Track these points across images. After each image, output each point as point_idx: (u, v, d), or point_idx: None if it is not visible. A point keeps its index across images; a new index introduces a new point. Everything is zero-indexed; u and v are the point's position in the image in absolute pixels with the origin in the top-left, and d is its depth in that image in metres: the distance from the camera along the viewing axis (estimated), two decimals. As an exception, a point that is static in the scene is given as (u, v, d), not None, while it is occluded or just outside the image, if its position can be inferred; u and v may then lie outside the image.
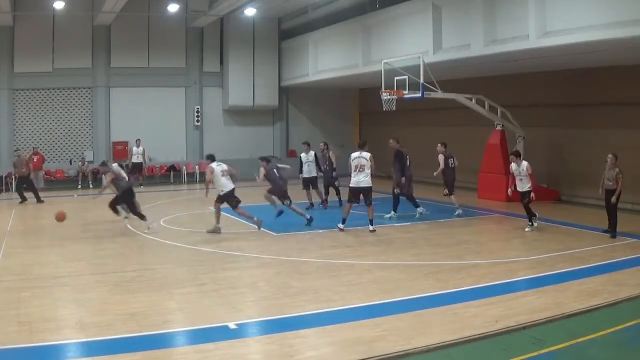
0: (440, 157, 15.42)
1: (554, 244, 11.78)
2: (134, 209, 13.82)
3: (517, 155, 13.52)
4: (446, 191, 15.55)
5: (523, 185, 13.17)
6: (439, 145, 15.61)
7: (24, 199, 18.62)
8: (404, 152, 14.95)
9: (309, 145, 17.58)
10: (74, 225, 14.24)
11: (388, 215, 14.92)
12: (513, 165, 13.37)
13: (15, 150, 21.80)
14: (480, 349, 6.47)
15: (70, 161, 24.19)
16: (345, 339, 6.58)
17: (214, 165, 13.34)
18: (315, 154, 17.20)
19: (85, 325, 7.18)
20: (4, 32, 23.16)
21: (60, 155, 24.31)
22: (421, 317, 7.37)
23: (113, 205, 13.87)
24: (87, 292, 8.72)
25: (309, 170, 16.89)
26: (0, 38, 23.30)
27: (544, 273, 9.51)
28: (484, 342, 6.59)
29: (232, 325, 7.03)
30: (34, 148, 22.75)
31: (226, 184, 13.22)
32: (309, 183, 16.91)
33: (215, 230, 13.20)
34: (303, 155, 17.21)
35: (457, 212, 15.45)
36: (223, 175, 13.19)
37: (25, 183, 18.94)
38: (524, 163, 13.21)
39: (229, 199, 13.26)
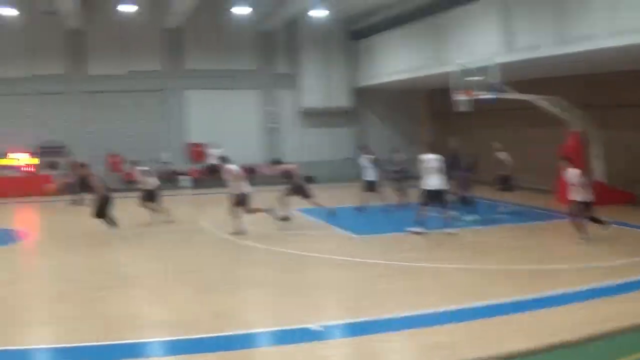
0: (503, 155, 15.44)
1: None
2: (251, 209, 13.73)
3: (568, 160, 12.37)
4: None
5: (575, 195, 11.79)
6: (495, 143, 15.81)
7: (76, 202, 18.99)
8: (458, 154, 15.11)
9: (366, 148, 17.66)
10: (153, 226, 14.79)
11: (469, 218, 14.77)
12: (567, 171, 12.08)
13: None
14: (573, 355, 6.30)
15: (148, 162, 24.78)
16: (428, 343, 6.46)
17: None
18: (375, 157, 17.13)
19: (168, 323, 7.36)
20: (77, 35, 24.18)
21: (136, 157, 24.57)
22: (506, 322, 7.16)
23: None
24: (169, 292, 8.96)
25: (370, 173, 16.89)
26: (74, 41, 24.29)
27: (630, 278, 8.96)
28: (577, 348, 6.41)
29: (313, 327, 7.01)
30: (110, 150, 23.68)
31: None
32: (370, 186, 16.95)
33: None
34: (362, 158, 17.18)
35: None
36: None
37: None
38: (573, 171, 11.91)
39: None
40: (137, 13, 22.75)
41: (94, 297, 8.58)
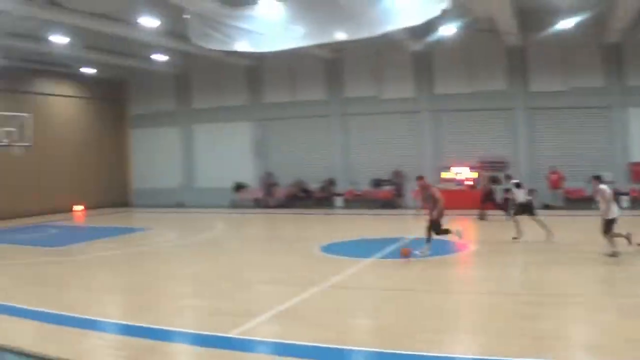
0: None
1: None
2: None
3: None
4: None
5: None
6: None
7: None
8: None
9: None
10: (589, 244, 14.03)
11: None
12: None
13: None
14: None
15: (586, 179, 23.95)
16: None
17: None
18: None
19: (593, 347, 7.07)
20: (517, 52, 24.89)
21: (576, 174, 23.74)
22: None
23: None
24: (596, 314, 8.55)
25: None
26: (514, 58, 25.10)
27: None
28: None
29: None
30: (551, 167, 23.69)
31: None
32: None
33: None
34: None
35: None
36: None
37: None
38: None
39: None
40: (575, 29, 22.09)
41: (526, 313, 8.65)
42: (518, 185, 16.12)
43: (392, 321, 8.62)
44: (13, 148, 22.46)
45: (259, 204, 29.47)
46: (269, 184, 29.64)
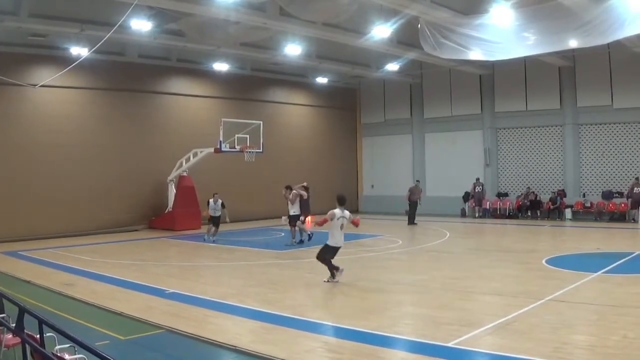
0: None
1: None
2: None
3: None
4: None
5: None
6: None
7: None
8: None
9: None
10: None
11: None
12: None
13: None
14: None
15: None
16: None
17: None
18: None
19: None
20: (567, 71, 26.52)
21: None
22: None
23: None
24: None
25: None
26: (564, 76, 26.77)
27: None
28: None
29: None
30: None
31: None
32: None
33: None
34: None
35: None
36: None
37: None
38: None
39: None
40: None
41: None
42: None
43: (612, 338, 8.28)
44: (245, 154, 24.45)
45: (487, 213, 29.90)
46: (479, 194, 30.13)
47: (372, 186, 35.42)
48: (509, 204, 29.32)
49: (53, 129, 23.28)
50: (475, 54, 19.51)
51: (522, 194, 28.95)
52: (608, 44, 17.03)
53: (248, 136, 24.54)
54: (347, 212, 12.94)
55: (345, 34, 22.24)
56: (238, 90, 29.75)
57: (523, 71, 28.47)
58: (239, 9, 18.63)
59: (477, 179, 29.89)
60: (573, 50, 20.51)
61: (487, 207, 29.86)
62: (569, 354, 7.67)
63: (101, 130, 24.84)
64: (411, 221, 26.26)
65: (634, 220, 24.97)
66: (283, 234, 22.57)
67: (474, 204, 30.10)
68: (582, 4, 16.25)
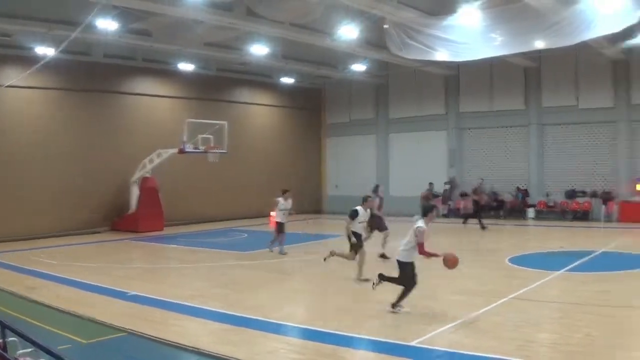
0: None
1: None
2: None
3: None
4: None
5: None
6: None
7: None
8: None
9: None
10: None
11: None
12: None
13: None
14: None
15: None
16: None
17: None
18: None
19: None
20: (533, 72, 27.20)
21: None
22: None
23: None
24: None
25: None
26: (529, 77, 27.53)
27: None
28: None
29: None
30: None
31: None
32: None
33: None
34: None
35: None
36: None
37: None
38: None
39: None
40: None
41: None
42: None
43: (576, 336, 8.45)
44: (209, 154, 24.36)
45: (448, 214, 30.17)
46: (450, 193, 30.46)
47: (337, 186, 35.42)
48: (467, 204, 28.40)
49: (17, 130, 22.87)
50: (441, 55, 19.63)
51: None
52: (574, 45, 17.27)
53: (212, 137, 24.45)
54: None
55: (312, 34, 22.25)
56: (203, 91, 29.58)
57: (488, 72, 28.70)
58: (205, 9, 18.54)
59: (431, 183, 30.16)
60: (539, 51, 20.73)
61: (451, 207, 30.07)
62: (532, 351, 7.79)
63: (65, 131, 24.45)
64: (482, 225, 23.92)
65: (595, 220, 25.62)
66: (246, 235, 22.43)
67: (441, 203, 30.12)
68: (549, 6, 16.48)
